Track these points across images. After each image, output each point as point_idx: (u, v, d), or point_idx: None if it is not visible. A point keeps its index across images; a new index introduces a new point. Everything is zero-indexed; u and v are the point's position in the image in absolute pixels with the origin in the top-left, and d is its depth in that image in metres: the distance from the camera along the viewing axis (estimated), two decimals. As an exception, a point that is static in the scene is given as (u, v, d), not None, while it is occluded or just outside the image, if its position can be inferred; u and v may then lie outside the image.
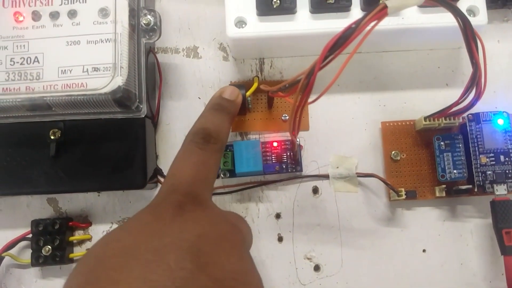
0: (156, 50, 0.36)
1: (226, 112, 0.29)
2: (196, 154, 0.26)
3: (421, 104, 0.36)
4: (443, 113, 0.32)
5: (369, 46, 0.36)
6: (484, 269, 0.34)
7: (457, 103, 0.31)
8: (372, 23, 0.24)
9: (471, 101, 0.31)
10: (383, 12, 0.24)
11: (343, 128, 0.36)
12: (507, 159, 0.33)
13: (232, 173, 0.34)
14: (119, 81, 0.29)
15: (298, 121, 0.29)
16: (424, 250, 0.34)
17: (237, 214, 0.27)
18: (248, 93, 0.33)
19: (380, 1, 0.29)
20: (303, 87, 0.25)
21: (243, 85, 0.32)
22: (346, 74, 0.36)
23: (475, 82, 0.29)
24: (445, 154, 0.33)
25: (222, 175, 0.34)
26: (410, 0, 0.25)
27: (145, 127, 0.33)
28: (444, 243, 0.34)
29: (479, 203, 0.34)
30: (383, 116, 0.36)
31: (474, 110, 0.33)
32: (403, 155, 0.34)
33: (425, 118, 0.33)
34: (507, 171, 0.33)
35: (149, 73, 0.34)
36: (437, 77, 0.36)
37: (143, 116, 0.31)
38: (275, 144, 0.34)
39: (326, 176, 0.35)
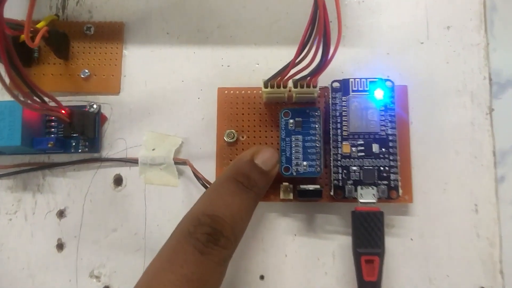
0: None
1: (254, 193, 0.19)
2: (192, 265, 0.16)
3: (280, 66, 0.25)
4: (281, 75, 0.21)
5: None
6: (345, 310, 0.23)
7: (293, 63, 0.20)
8: None
9: (321, 60, 0.20)
10: None
11: (169, 94, 0.25)
12: (382, 149, 0.22)
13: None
14: None
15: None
16: (262, 277, 0.23)
17: None
18: (23, 36, 0.23)
19: None
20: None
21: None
22: (179, 18, 0.26)
23: (316, 31, 0.19)
24: (293, 137, 0.22)
25: (-22, 151, 0.24)
26: None
27: None
28: (294, 268, 0.23)
29: (345, 212, 0.23)
30: (223, 81, 0.25)
31: (348, 75, 0.23)
32: (242, 137, 0.24)
33: (265, 83, 0.22)
34: (381, 168, 0.22)
35: None
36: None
37: None
38: (63, 111, 0.24)
39: (135, 161, 0.24)
